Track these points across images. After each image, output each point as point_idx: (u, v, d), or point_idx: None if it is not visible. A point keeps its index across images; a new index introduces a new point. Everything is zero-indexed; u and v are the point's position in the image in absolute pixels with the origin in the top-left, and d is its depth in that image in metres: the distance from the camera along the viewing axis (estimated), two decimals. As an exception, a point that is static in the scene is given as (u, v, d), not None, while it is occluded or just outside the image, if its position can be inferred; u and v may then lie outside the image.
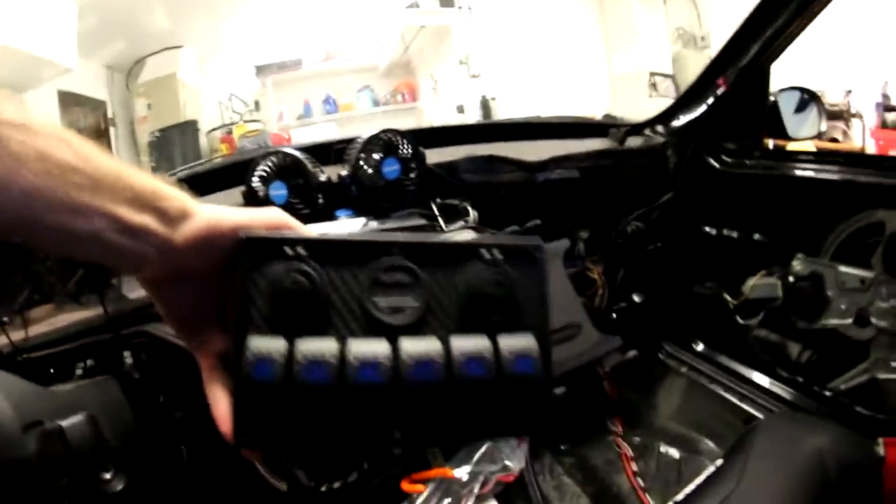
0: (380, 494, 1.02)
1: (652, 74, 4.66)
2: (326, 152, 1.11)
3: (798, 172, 1.29)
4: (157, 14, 5.03)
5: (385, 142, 1.00)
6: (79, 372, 0.97)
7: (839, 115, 3.72)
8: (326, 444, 0.41)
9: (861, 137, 3.67)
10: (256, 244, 0.40)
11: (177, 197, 0.40)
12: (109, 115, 5.12)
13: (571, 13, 5.26)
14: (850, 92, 3.73)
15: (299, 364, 0.37)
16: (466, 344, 0.40)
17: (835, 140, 3.63)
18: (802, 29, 1.25)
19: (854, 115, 3.73)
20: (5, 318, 1.03)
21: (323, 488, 0.97)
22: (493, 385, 0.40)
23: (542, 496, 1.12)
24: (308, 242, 0.40)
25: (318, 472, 0.92)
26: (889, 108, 3.68)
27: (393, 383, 0.38)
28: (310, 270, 0.39)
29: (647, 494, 1.43)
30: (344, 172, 1.00)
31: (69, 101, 4.51)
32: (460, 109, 5.33)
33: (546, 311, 0.44)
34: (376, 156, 0.99)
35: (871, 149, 3.48)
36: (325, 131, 5.46)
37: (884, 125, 3.67)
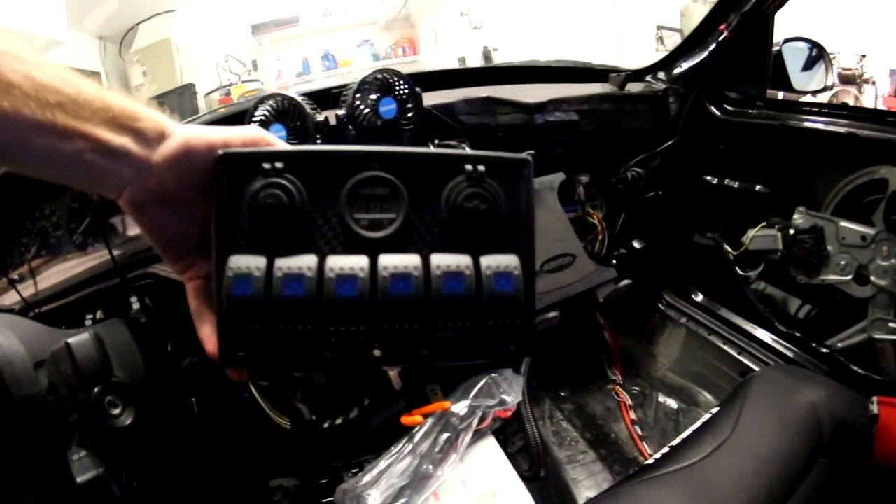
0: (381, 430, 1.04)
1: (659, 28, 4.57)
2: (325, 98, 1.10)
3: (801, 124, 1.27)
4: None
5: (381, 81, 0.99)
6: (88, 322, 0.99)
7: (852, 80, 3.68)
8: (308, 362, 0.40)
9: (874, 104, 3.61)
10: (233, 160, 0.39)
11: (153, 117, 0.41)
12: (105, 85, 5.06)
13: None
14: (864, 56, 3.66)
15: (278, 280, 0.38)
16: (446, 260, 0.40)
17: (845, 105, 3.57)
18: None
19: (867, 81, 3.69)
20: (16, 276, 1.05)
21: (325, 424, 0.99)
22: (472, 304, 0.39)
23: (539, 434, 1.14)
24: (286, 156, 0.40)
25: (321, 408, 0.94)
26: None
27: (370, 298, 0.38)
28: (288, 185, 0.39)
29: (644, 443, 1.47)
30: (341, 113, 1.00)
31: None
32: (462, 61, 5.26)
33: (531, 230, 0.43)
34: (373, 96, 0.98)
35: (882, 116, 3.44)
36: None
37: None
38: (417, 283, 0.39)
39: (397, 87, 1.00)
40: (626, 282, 1.30)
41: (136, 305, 0.99)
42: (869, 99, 3.68)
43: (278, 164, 0.39)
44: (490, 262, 0.40)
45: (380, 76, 1.00)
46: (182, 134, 0.41)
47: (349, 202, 0.40)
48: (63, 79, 0.38)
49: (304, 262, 0.39)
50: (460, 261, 0.40)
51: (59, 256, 1.02)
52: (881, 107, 3.58)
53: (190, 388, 1.03)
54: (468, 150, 0.44)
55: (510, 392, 1.05)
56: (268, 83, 5.85)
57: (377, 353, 0.40)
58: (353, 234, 0.40)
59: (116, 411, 0.81)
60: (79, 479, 0.73)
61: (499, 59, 4.95)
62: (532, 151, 1.06)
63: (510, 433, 1.14)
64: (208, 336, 0.41)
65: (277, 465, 1.21)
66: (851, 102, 3.59)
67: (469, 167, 0.41)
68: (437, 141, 1.09)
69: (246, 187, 0.39)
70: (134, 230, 0.95)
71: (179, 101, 5.26)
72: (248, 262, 0.38)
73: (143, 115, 0.40)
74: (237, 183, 0.39)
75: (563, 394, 1.66)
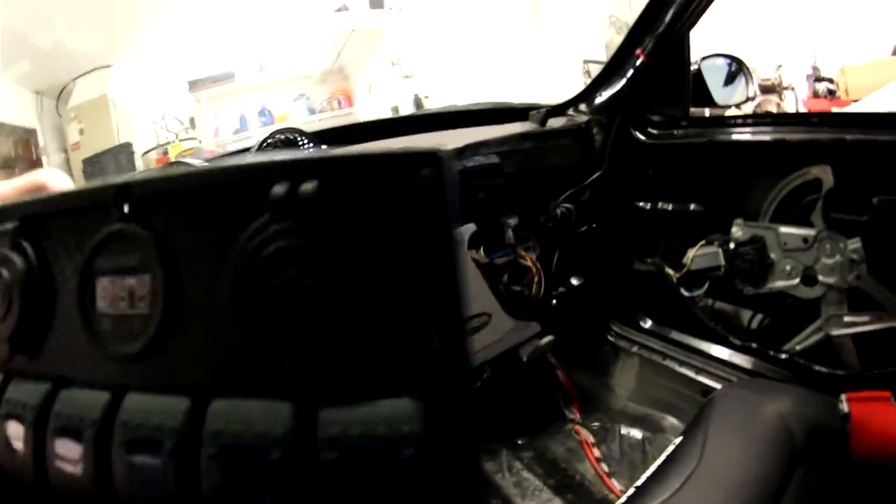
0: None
1: (586, 62, 4.73)
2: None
3: (728, 137, 1.29)
4: (83, 33, 4.83)
5: (284, 142, 0.96)
6: None
7: (772, 89, 3.89)
8: None
9: (795, 109, 3.81)
10: None
11: None
12: (41, 143, 4.94)
13: (504, 6, 5.29)
14: (780, 66, 3.89)
15: None
16: (235, 417, 0.20)
17: (769, 113, 3.77)
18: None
19: (786, 88, 3.90)
20: None
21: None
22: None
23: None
24: (20, 209, 0.26)
25: None
26: (819, 79, 3.82)
27: (100, 461, 0.21)
28: (12, 257, 0.24)
29: (612, 479, 1.41)
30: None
31: (-2, 133, 4.29)
32: (395, 110, 5.33)
33: (458, 322, 0.20)
34: (276, 156, 0.95)
35: (805, 119, 3.66)
36: (262, 144, 5.38)
37: (815, 95, 3.81)
38: (170, 454, 0.20)
39: (301, 145, 0.97)
40: (548, 339, 1.25)
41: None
42: (790, 104, 3.90)
43: (8, 225, 0.25)
44: (336, 418, 0.19)
45: (281, 136, 0.97)
46: None
47: (87, 283, 0.23)
48: None
49: (27, 395, 0.23)
50: (269, 420, 0.19)
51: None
52: (802, 110, 3.78)
53: None
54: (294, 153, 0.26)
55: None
56: (205, 141, 5.80)
57: None
58: (95, 347, 0.23)
59: None
60: None
61: (430, 105, 5.05)
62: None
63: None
64: None
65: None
66: (774, 110, 3.78)
67: (279, 188, 0.19)
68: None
69: None
70: None
71: (116, 161, 5.15)
72: None
73: None
74: None
75: (520, 442, 1.59)
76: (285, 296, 0.19)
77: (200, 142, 5.75)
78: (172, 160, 1.01)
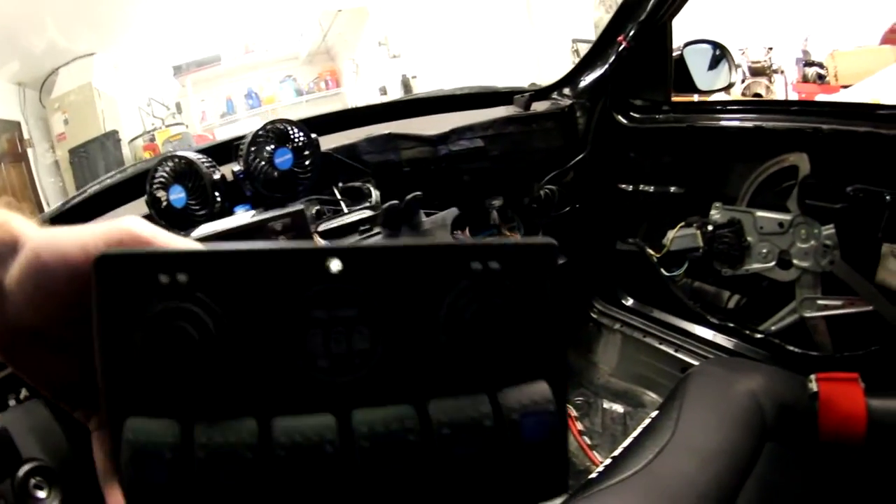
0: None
1: (574, 41, 4.70)
2: (228, 151, 1.10)
3: (708, 123, 1.32)
4: (65, 22, 4.75)
5: (276, 132, 1.00)
6: (11, 402, 0.96)
7: (762, 72, 3.88)
8: None
9: (784, 92, 3.82)
10: (113, 267, 0.26)
11: (2, 223, 0.30)
12: (26, 135, 4.86)
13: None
14: (771, 49, 3.87)
15: (202, 461, 0.25)
16: (453, 408, 0.28)
17: (758, 95, 3.78)
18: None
19: (776, 71, 3.89)
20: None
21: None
22: (493, 462, 0.28)
23: None
24: (191, 259, 0.27)
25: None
26: (809, 63, 3.81)
27: (342, 479, 0.26)
28: (199, 312, 0.26)
29: (594, 451, 1.45)
30: (237, 168, 1.00)
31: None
32: (383, 91, 5.32)
33: (559, 339, 0.31)
34: (269, 147, 0.99)
35: (793, 102, 3.66)
36: (250, 127, 5.33)
37: (805, 79, 3.81)
38: (414, 449, 0.26)
39: (292, 136, 1.01)
40: None
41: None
42: (779, 87, 3.89)
43: (181, 277, 0.26)
44: (513, 398, 0.28)
45: (272, 127, 1.01)
46: (31, 247, 0.29)
47: (298, 331, 0.27)
48: None
49: (239, 432, 0.26)
50: (474, 406, 0.28)
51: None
52: (791, 93, 3.80)
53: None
54: (471, 240, 0.33)
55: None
56: (192, 126, 5.74)
57: None
58: (308, 381, 0.28)
59: (42, 494, 0.79)
60: None
61: (418, 86, 5.04)
62: (419, 193, 1.08)
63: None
64: None
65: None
66: (763, 93, 3.81)
67: (477, 265, 0.29)
68: (340, 185, 1.11)
69: (133, 313, 0.26)
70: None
71: (103, 149, 5.10)
72: (154, 432, 0.26)
73: None
74: (124, 304, 0.26)
75: None
76: (483, 331, 0.29)
77: (187, 127, 5.68)
78: (165, 154, 1.05)
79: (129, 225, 0.29)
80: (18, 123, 4.82)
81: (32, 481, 0.77)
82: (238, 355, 0.27)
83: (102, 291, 0.26)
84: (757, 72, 3.88)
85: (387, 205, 1.03)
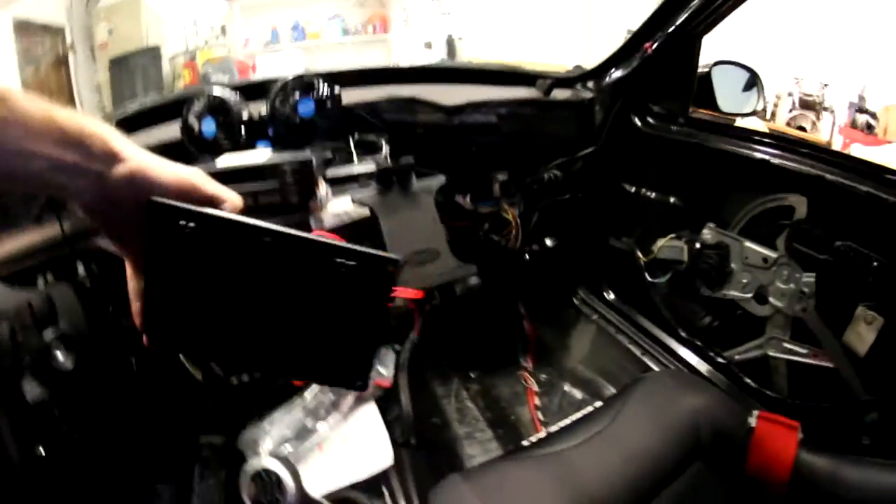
0: (280, 389, 1.18)
1: (629, 32, 4.58)
2: (261, 90, 1.20)
3: (717, 145, 1.32)
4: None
5: (304, 83, 1.10)
6: (40, 285, 1.10)
7: (811, 106, 3.69)
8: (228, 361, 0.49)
9: (829, 132, 3.68)
10: (157, 211, 0.44)
11: (99, 134, 0.45)
12: (69, 41, 4.87)
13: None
14: (826, 85, 3.69)
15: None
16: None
17: (802, 128, 3.66)
18: (732, 6, 1.23)
19: (826, 109, 3.71)
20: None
21: (233, 381, 1.13)
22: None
23: (410, 406, 1.27)
24: (200, 218, 0.44)
25: (229, 366, 1.07)
26: (862, 111, 3.64)
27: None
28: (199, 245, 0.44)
29: (543, 428, 1.53)
30: (263, 112, 1.11)
31: (25, 30, 4.31)
32: (428, 45, 5.29)
33: (378, 321, 0.48)
34: (294, 96, 1.09)
35: (836, 145, 3.51)
36: (291, 58, 5.38)
37: (853, 125, 3.66)
38: None
39: (317, 88, 1.11)
40: (476, 280, 1.39)
41: (82, 272, 1.10)
42: (826, 126, 3.73)
43: (192, 225, 0.44)
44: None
45: (302, 78, 1.10)
46: (140, 161, 0.46)
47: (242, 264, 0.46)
48: (11, 107, 0.44)
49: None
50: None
51: (17, 228, 1.11)
52: (837, 136, 3.66)
53: (129, 346, 1.14)
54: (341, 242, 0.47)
55: (382, 365, 1.21)
56: (234, 50, 5.77)
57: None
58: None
59: (61, 355, 0.95)
60: (29, 398, 0.90)
61: (463, 47, 5.01)
62: (410, 158, 1.19)
63: (391, 401, 1.27)
64: (137, 312, 0.48)
65: (208, 423, 1.33)
66: (808, 127, 3.68)
67: (341, 260, 0.46)
68: (356, 136, 1.21)
69: (164, 238, 0.44)
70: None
71: (143, 63, 5.17)
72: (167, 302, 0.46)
73: (91, 133, 0.45)
74: (160, 231, 0.44)
75: (472, 375, 1.74)
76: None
77: (229, 50, 5.74)
78: (202, 88, 1.17)
79: (196, 179, 0.48)
80: (63, 29, 4.82)
81: (55, 343, 0.96)
82: (218, 272, 0.46)
83: (150, 220, 0.44)
84: (807, 104, 3.71)
85: (381, 167, 1.18)
